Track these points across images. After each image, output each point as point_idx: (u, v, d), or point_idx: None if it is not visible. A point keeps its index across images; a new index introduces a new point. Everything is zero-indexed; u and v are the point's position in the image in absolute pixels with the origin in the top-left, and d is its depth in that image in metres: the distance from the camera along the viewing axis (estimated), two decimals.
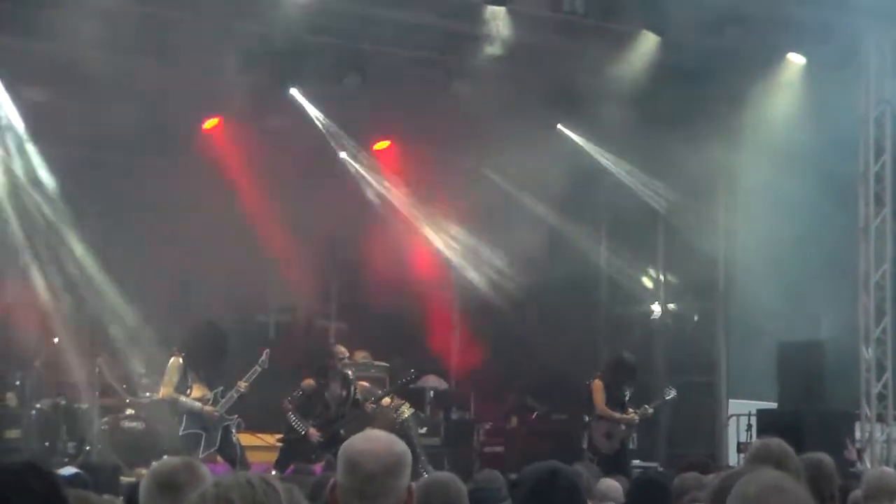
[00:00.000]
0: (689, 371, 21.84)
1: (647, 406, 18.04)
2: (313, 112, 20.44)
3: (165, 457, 5.44)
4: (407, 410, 18.21)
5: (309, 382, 16.29)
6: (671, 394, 18.37)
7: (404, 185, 21.99)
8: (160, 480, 5.17)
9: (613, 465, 15.77)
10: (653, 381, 21.32)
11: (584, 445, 17.47)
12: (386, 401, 17.64)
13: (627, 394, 17.91)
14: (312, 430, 16.16)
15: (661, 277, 22.92)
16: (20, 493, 4.81)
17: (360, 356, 19.65)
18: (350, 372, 16.96)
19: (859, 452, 18.47)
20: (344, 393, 16.51)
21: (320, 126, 20.58)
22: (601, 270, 23.08)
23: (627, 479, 10.25)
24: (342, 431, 16.14)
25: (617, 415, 17.68)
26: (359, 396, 16.71)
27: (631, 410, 17.74)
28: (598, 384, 17.80)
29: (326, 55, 18.88)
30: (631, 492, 8.30)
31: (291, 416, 16.22)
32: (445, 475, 6.37)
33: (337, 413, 16.36)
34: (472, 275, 22.00)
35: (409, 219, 22.14)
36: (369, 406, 16.71)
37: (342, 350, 16.93)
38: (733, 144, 20.07)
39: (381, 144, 22.12)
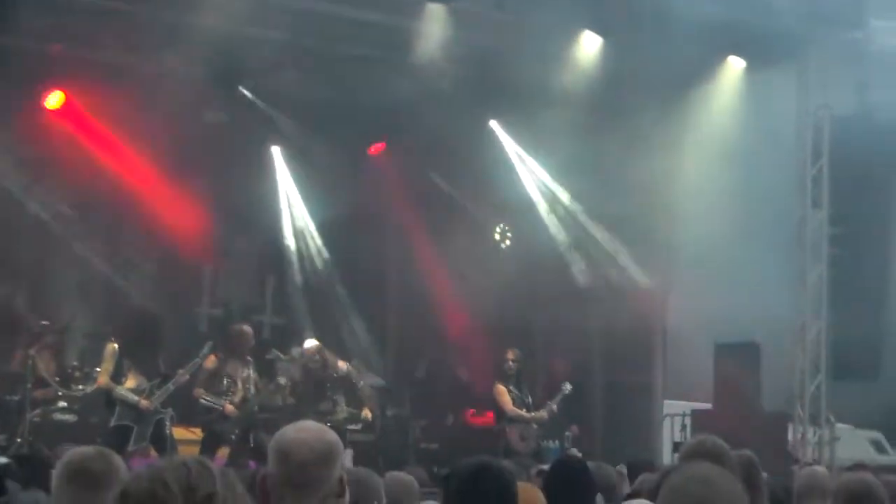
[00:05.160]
0: (624, 371, 21.93)
1: (549, 403, 18.16)
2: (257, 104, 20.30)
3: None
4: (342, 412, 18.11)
5: (210, 359, 16.20)
6: (568, 388, 18.44)
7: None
8: (72, 469, 5.08)
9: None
10: (588, 381, 21.49)
11: (501, 450, 17.33)
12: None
13: (528, 394, 18.11)
14: (228, 406, 16.10)
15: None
16: None
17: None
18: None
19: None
20: (245, 373, 16.41)
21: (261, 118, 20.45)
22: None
23: None
24: (256, 408, 16.31)
25: (527, 414, 17.83)
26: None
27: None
28: (499, 388, 17.93)
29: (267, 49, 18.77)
30: (550, 472, 8.24)
31: (204, 397, 16.12)
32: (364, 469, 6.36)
33: (245, 392, 16.28)
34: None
35: None
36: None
37: (247, 329, 16.79)
38: (672, 147, 20.14)
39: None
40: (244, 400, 16.18)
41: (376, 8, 17.73)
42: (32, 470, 10.62)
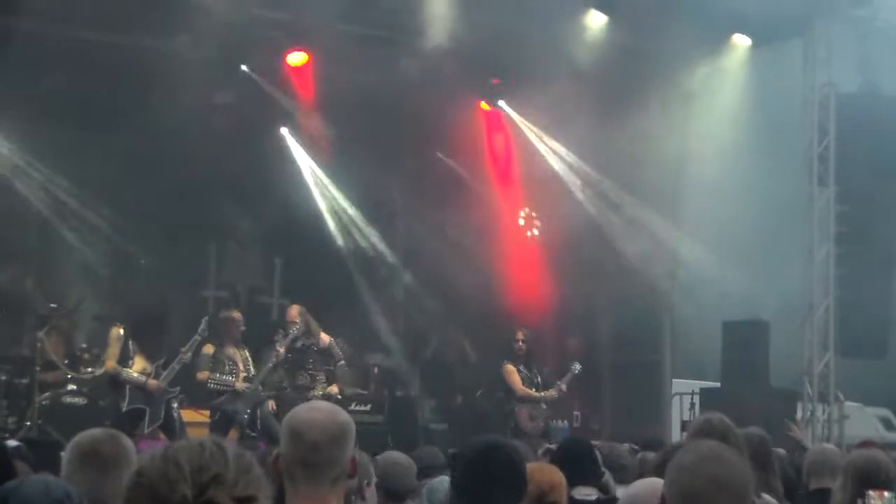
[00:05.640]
0: (634, 350, 21.95)
1: (559, 383, 18.15)
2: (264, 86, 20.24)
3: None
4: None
5: (207, 347, 16.17)
6: (577, 368, 18.44)
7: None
8: (83, 451, 5.12)
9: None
10: (597, 361, 21.50)
11: (510, 430, 17.35)
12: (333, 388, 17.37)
13: (538, 374, 18.13)
14: (239, 382, 16.08)
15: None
16: None
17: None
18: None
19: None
20: (243, 355, 16.37)
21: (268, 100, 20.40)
22: None
23: None
24: (260, 386, 16.26)
25: (537, 394, 17.84)
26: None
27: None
28: (509, 368, 17.94)
29: (272, 30, 18.72)
30: (558, 451, 8.31)
31: (212, 380, 16.08)
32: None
33: (245, 371, 16.26)
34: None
35: None
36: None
37: (237, 314, 16.77)
38: (678, 126, 20.11)
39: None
40: (248, 379, 16.17)
41: None
42: (43, 454, 10.66)
